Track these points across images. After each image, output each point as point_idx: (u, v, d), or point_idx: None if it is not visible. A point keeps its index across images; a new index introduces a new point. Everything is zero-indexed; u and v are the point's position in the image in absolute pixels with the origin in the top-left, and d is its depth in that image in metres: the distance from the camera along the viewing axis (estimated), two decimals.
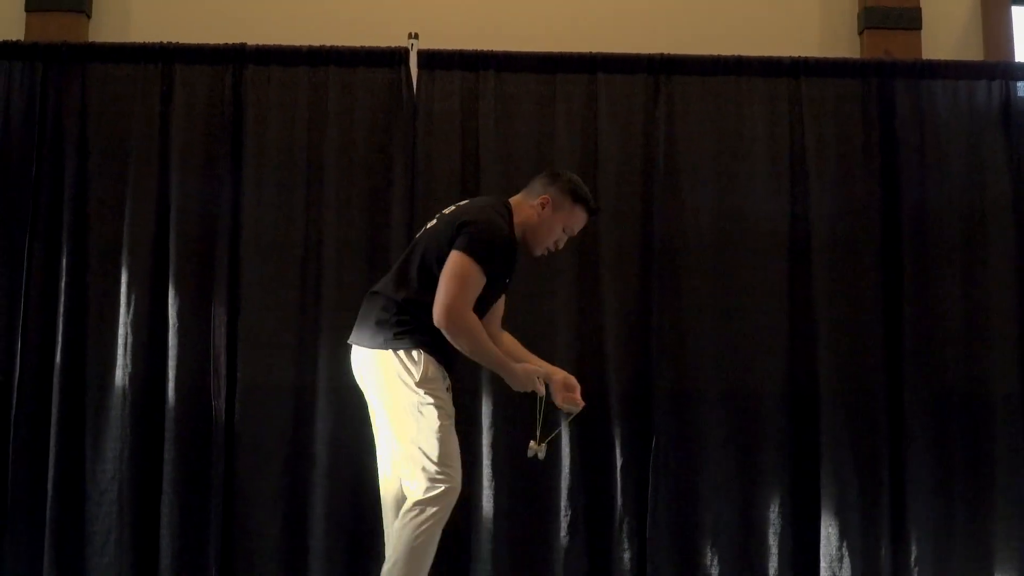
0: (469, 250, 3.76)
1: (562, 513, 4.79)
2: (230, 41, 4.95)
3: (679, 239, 4.95)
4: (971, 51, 5.41)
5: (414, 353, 3.79)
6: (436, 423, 3.76)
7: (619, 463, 4.81)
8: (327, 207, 4.89)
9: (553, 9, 5.36)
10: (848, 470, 4.83)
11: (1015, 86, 5.12)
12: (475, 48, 4.99)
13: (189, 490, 4.73)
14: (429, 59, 4.97)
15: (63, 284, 4.81)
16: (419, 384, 3.78)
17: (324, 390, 4.78)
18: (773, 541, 4.83)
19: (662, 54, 5.02)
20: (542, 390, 3.96)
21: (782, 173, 5.01)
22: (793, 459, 4.88)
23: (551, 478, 4.81)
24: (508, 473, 4.79)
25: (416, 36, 4.96)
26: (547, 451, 4.07)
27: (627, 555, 4.78)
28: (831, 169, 5.01)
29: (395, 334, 3.81)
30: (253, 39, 4.97)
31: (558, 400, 3.99)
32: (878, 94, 5.07)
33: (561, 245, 4.08)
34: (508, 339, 4.16)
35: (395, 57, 4.96)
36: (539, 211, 3.97)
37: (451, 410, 3.86)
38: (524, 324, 4.80)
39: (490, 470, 4.77)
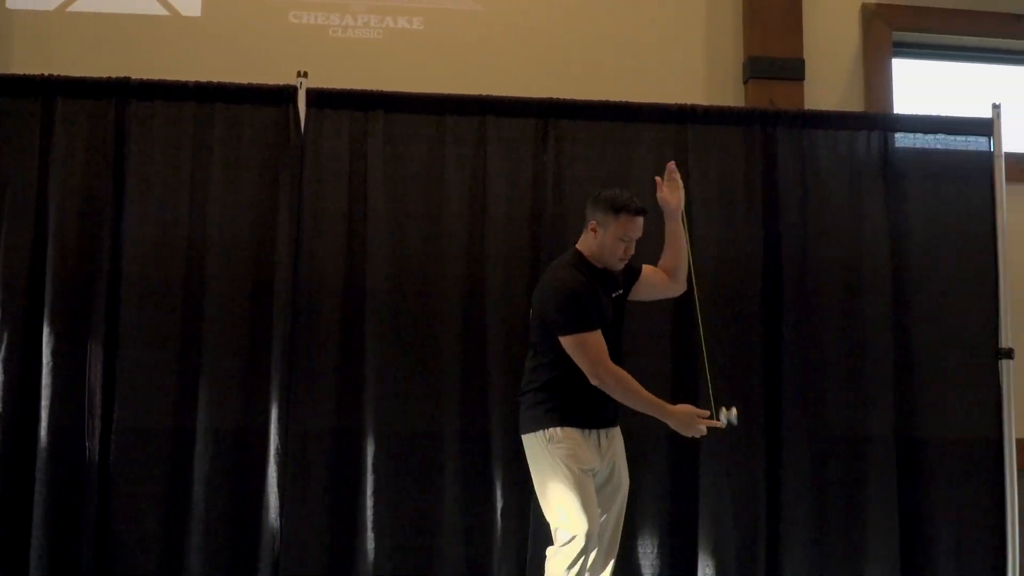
0: (569, 327, 4.07)
1: (443, 554, 4.77)
2: (114, 75, 4.85)
3: None
4: (852, 102, 5.56)
5: None
6: None
7: (500, 504, 4.80)
8: (211, 245, 4.82)
9: (444, 50, 5.38)
10: (726, 512, 4.89)
11: (893, 137, 5.26)
12: (365, 88, 4.96)
13: (60, 533, 4.60)
14: (318, 98, 4.92)
15: None
16: None
17: (203, 432, 4.69)
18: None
19: (551, 98, 5.04)
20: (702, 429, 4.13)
21: None
22: (672, 500, 4.93)
23: (432, 519, 4.79)
24: (390, 515, 4.75)
25: (305, 74, 4.91)
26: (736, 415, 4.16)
27: None
28: (715, 215, 5.08)
29: None
30: (138, 73, 4.87)
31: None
32: (762, 142, 5.16)
33: (632, 251, 4.26)
34: None
35: (283, 95, 4.90)
36: (593, 237, 4.24)
37: None
38: (409, 361, 4.82)
39: (372, 512, 4.72)
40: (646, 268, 4.43)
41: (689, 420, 4.12)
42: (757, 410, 4.98)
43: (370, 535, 4.72)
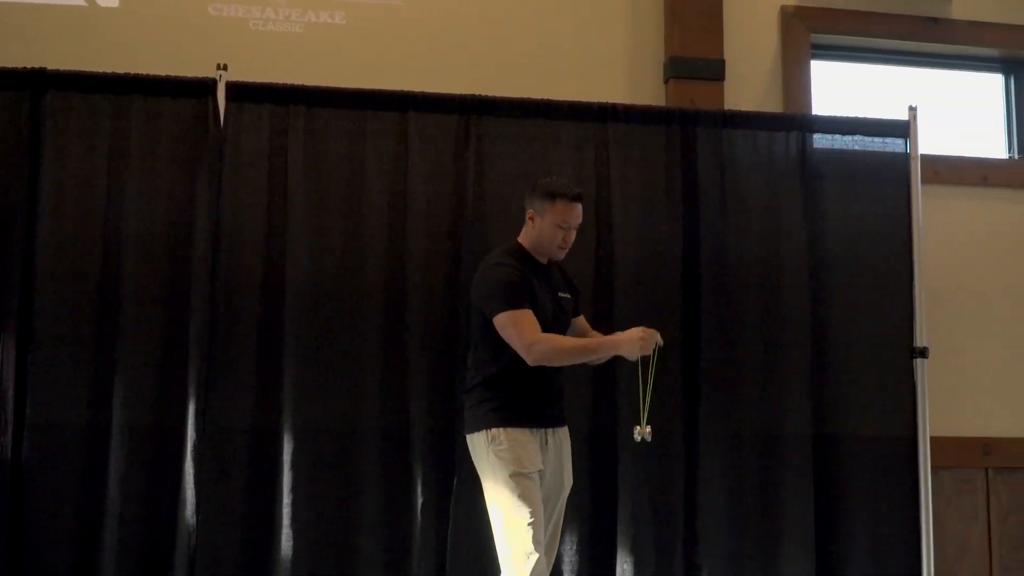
0: (500, 306, 4.06)
1: (361, 552, 4.74)
2: (29, 65, 4.77)
3: None
4: (771, 103, 5.61)
5: None
6: None
7: (420, 501, 4.79)
8: (127, 239, 4.75)
9: (365, 45, 5.36)
10: (644, 510, 4.92)
11: (811, 138, 5.31)
12: (286, 82, 4.93)
13: None
14: (238, 91, 4.87)
15: None
16: None
17: (118, 428, 4.63)
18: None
19: (473, 95, 5.04)
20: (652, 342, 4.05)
21: (587, 216, 5.03)
22: (592, 497, 4.94)
23: (350, 517, 4.76)
24: (308, 513, 4.71)
25: (225, 67, 4.85)
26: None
27: None
28: (635, 213, 5.10)
29: None
30: (54, 64, 4.80)
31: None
32: (682, 141, 5.18)
33: (571, 239, 4.25)
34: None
35: (202, 88, 4.85)
36: (532, 227, 4.24)
37: None
38: (329, 358, 4.79)
39: (290, 510, 4.69)
40: (580, 325, 4.47)
41: (639, 336, 4.05)
42: (676, 409, 5.01)
43: (288, 532, 4.68)
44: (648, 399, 4.10)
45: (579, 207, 4.23)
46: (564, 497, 4.27)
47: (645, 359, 4.10)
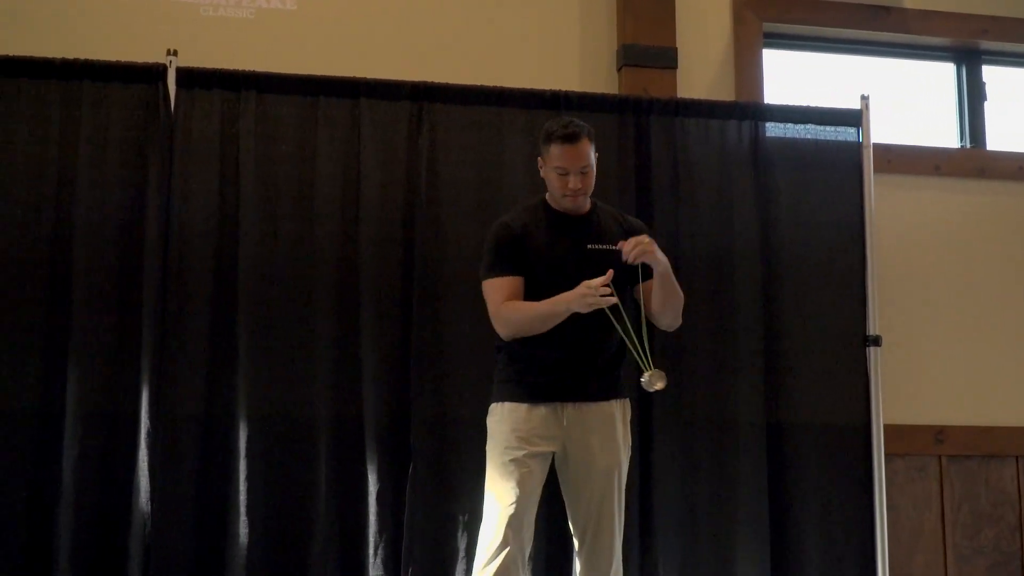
0: (480, 273, 4.04)
1: (316, 539, 4.73)
2: None
3: (440, 266, 4.96)
4: (724, 92, 5.62)
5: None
6: None
7: (374, 489, 4.77)
8: (78, 226, 4.72)
9: (317, 31, 5.34)
10: None
11: (764, 126, 5.34)
12: (236, 68, 4.91)
13: None
14: (188, 77, 4.85)
15: None
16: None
17: (71, 415, 4.60)
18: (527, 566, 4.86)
19: (426, 82, 5.04)
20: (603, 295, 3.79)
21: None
22: (546, 486, 4.91)
23: (306, 504, 4.75)
24: (263, 500, 4.71)
25: (175, 53, 4.83)
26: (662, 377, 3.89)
27: None
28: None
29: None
30: (2, 49, 4.77)
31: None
32: (634, 130, 5.20)
33: (573, 184, 4.00)
34: None
35: (152, 74, 4.82)
36: (543, 176, 4.08)
37: None
38: (282, 345, 4.78)
39: (245, 497, 4.68)
40: (646, 285, 4.10)
41: (583, 292, 3.80)
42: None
43: (243, 520, 4.66)
44: (637, 344, 3.90)
45: (575, 148, 3.97)
46: (603, 479, 3.97)
47: (617, 313, 3.89)
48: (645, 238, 3.93)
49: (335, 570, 4.74)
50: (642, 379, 3.94)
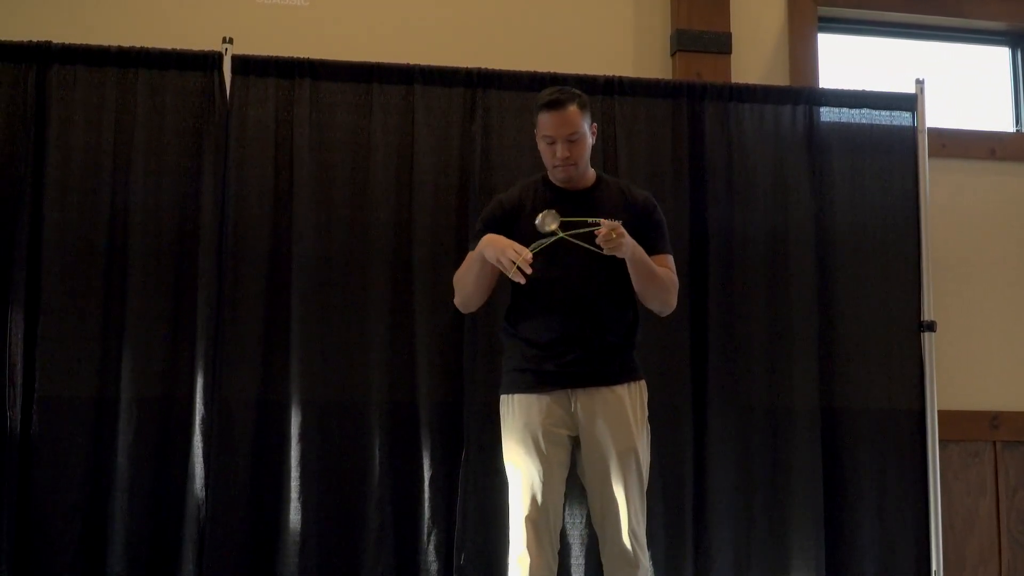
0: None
1: (369, 525, 4.75)
2: (34, 38, 4.76)
3: None
4: (778, 77, 5.59)
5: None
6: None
7: (428, 474, 4.79)
8: (134, 213, 4.75)
9: (371, 18, 5.34)
10: (654, 486, 4.90)
11: (818, 111, 5.29)
12: (291, 55, 4.92)
13: None
14: (243, 65, 4.87)
15: None
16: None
17: (126, 402, 4.64)
18: (580, 552, 4.89)
19: (479, 68, 5.03)
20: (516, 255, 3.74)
21: None
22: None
23: (359, 490, 4.77)
24: (316, 486, 4.72)
25: (230, 40, 4.85)
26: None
27: (435, 566, 4.77)
28: (641, 187, 5.07)
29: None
30: (59, 37, 4.79)
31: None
32: (688, 115, 5.17)
33: (561, 153, 3.95)
34: None
35: (208, 61, 4.84)
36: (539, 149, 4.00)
37: None
38: (336, 331, 4.79)
39: (298, 483, 4.70)
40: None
41: (504, 247, 3.76)
42: (683, 384, 5.00)
43: (296, 505, 4.68)
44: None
45: (564, 114, 3.87)
46: (620, 464, 3.93)
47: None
48: (618, 227, 3.76)
49: (388, 555, 4.76)
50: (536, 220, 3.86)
